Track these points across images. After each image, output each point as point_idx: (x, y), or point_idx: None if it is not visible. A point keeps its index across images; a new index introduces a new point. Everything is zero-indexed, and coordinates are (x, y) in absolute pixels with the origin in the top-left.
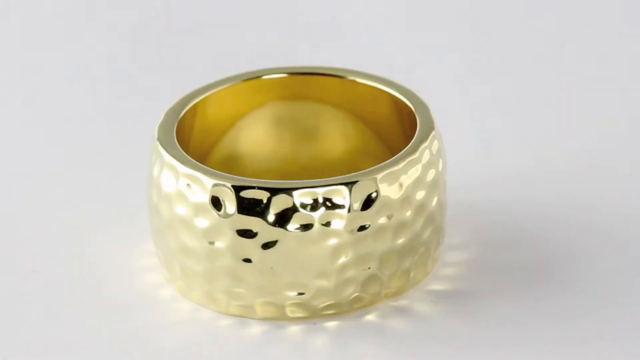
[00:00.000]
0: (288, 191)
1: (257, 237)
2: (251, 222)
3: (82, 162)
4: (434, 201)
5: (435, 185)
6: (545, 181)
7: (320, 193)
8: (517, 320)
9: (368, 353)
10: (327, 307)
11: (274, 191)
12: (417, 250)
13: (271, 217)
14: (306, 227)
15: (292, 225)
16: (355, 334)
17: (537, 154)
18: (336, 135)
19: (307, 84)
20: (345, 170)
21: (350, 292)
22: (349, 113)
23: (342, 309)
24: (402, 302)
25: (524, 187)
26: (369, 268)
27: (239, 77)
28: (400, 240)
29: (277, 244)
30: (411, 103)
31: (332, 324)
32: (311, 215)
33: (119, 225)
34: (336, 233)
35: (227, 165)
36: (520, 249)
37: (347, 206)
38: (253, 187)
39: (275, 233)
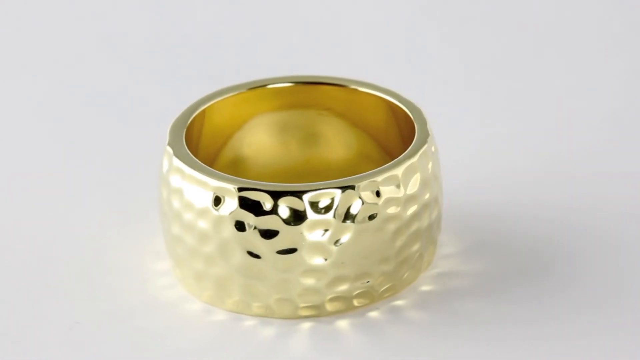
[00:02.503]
0: (353, 187)
1: (330, 235)
2: (323, 222)
3: (98, 164)
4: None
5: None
6: (538, 183)
7: (379, 182)
8: (515, 319)
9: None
10: (386, 290)
11: (343, 189)
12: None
13: (340, 214)
14: (371, 217)
15: (360, 217)
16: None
17: (531, 157)
18: (337, 141)
19: (310, 93)
20: (348, 173)
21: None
22: (350, 120)
23: (397, 290)
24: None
25: (517, 189)
26: (418, 247)
27: (245, 86)
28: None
29: (348, 238)
30: (409, 110)
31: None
32: (376, 204)
33: (130, 225)
34: (395, 217)
35: (233, 168)
36: (515, 250)
37: (402, 191)
38: (320, 189)
39: (344, 228)
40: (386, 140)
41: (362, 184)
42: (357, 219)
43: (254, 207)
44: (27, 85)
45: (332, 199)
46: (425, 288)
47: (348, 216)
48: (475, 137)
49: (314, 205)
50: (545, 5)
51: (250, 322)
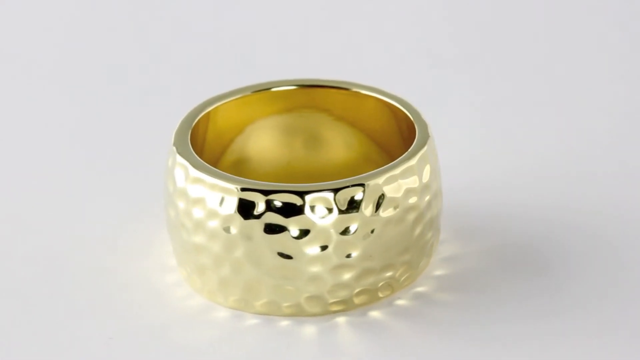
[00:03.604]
0: (379, 184)
1: (358, 229)
2: (351, 218)
3: (106, 164)
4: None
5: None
6: (536, 184)
7: (398, 174)
8: (513, 317)
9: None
10: (406, 279)
11: (367, 184)
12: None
13: (366, 208)
14: (394, 208)
15: (385, 210)
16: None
17: (529, 159)
18: (339, 143)
19: (313, 96)
20: (351, 174)
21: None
22: (352, 122)
23: (413, 278)
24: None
25: (515, 190)
26: (430, 235)
27: (249, 89)
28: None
29: (375, 231)
30: (409, 113)
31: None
32: (397, 196)
33: (138, 223)
34: (413, 207)
35: (237, 169)
36: (512, 250)
37: (418, 181)
38: (347, 186)
39: (370, 222)
40: (387, 142)
41: (384, 177)
42: (382, 211)
43: (284, 209)
44: (33, 85)
45: (359, 195)
46: (438, 272)
47: (373, 210)
48: (476, 137)
49: (342, 202)
50: (545, 7)
51: (284, 323)
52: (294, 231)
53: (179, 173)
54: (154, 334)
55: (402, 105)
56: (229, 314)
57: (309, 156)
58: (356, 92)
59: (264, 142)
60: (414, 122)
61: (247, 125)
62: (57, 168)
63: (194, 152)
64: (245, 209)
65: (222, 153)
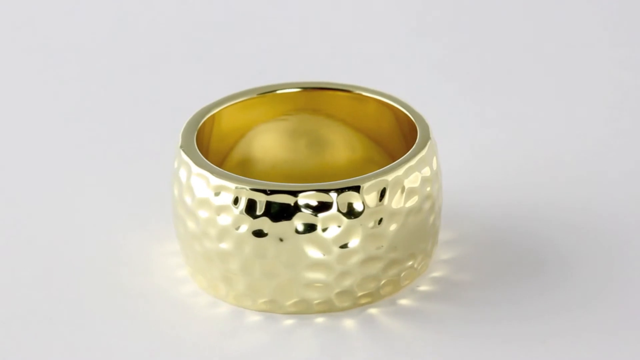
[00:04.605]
0: (400, 176)
1: (384, 222)
2: (378, 211)
3: (114, 163)
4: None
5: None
6: (534, 185)
7: (414, 165)
8: (511, 316)
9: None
10: (422, 267)
11: (390, 177)
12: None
13: (390, 201)
14: (413, 198)
15: (406, 200)
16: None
17: (526, 160)
18: (342, 145)
19: (317, 98)
20: (354, 175)
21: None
22: (355, 124)
23: (427, 265)
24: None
25: (513, 191)
26: (438, 223)
27: (255, 91)
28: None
29: (399, 222)
30: (411, 115)
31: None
32: (416, 186)
33: (145, 222)
34: (429, 196)
35: (241, 170)
36: (510, 249)
37: (429, 170)
38: (372, 180)
39: (395, 213)
40: (389, 143)
41: (404, 169)
42: (404, 202)
43: (317, 208)
44: (39, 85)
45: (384, 188)
46: (445, 256)
47: (396, 201)
48: (476, 138)
49: (370, 196)
50: (546, 8)
51: (320, 320)
52: (326, 229)
53: (198, 183)
54: (164, 335)
55: (403, 107)
56: (261, 317)
57: (312, 158)
58: (359, 94)
59: (268, 144)
60: (415, 123)
61: (251, 128)
62: (58, 168)
63: (198, 151)
64: (277, 211)
65: (227, 155)
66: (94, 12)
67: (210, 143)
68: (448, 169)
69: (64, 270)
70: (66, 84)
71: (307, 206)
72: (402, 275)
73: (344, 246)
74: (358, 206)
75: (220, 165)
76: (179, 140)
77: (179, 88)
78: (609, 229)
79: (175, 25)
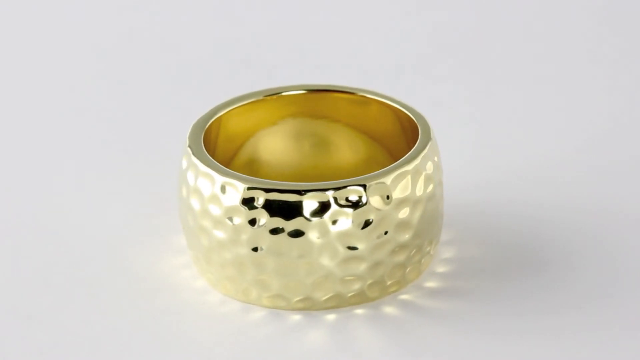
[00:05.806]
0: (419, 164)
1: (410, 210)
2: (406, 200)
3: (123, 164)
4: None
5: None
6: (535, 185)
7: (429, 155)
8: (510, 316)
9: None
10: (435, 251)
11: (413, 169)
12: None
13: (414, 191)
14: (430, 186)
15: (426, 188)
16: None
17: (527, 160)
18: (346, 146)
19: (322, 100)
20: (357, 175)
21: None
22: (358, 126)
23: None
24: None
25: (514, 191)
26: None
27: (260, 93)
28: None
29: (422, 209)
30: (413, 116)
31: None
32: (432, 174)
33: (152, 221)
34: (440, 183)
35: (248, 171)
36: (512, 248)
37: (438, 161)
38: (395, 171)
39: (418, 202)
40: (392, 145)
41: (420, 156)
42: (425, 190)
43: (353, 204)
44: (46, 87)
45: (407, 178)
46: (445, 256)
47: (419, 190)
48: (476, 138)
49: (395, 188)
50: (546, 10)
51: (360, 311)
52: (360, 222)
53: (203, 184)
54: (179, 335)
55: (405, 109)
56: (297, 320)
57: (317, 159)
58: (362, 96)
59: (273, 145)
60: (417, 124)
61: (257, 130)
62: (63, 170)
63: (206, 152)
64: (314, 210)
65: (233, 156)
66: (106, 13)
67: (216, 145)
68: (448, 169)
69: (71, 274)
70: (76, 86)
71: (345, 200)
72: (422, 261)
73: (376, 238)
74: (387, 197)
75: (227, 166)
76: (186, 141)
77: (183, 91)
78: (611, 229)
79: (185, 28)
